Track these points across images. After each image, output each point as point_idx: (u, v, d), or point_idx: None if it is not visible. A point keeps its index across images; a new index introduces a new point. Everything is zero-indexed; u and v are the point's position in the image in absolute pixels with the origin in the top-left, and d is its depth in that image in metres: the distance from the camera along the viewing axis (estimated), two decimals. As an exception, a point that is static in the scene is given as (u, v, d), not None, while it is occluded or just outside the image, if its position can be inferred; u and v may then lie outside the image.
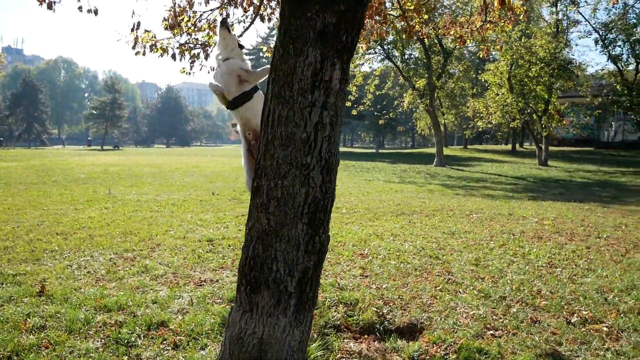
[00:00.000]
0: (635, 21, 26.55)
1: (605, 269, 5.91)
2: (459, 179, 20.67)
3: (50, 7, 6.26)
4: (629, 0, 25.38)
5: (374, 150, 55.44)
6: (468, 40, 8.47)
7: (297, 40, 2.65)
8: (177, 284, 5.17)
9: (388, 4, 8.47)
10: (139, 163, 27.99)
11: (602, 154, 35.80)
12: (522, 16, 8.19)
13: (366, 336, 3.95)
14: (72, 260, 6.04)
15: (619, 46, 27.71)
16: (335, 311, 4.35)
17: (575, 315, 4.33)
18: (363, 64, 27.88)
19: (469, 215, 10.06)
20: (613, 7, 26.50)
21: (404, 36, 7.89)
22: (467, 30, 8.17)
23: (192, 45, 7.94)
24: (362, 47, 10.03)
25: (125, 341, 3.67)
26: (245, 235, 2.92)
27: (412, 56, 31.66)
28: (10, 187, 14.25)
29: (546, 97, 28.27)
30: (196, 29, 7.39)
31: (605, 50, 27.65)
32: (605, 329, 4.02)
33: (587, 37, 29.54)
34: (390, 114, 38.57)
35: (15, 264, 5.75)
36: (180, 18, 7.11)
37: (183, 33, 7.68)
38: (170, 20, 7.58)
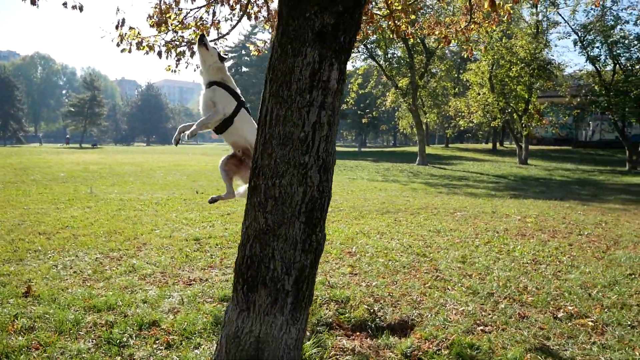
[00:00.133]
0: (612, 23, 27.05)
1: (588, 265, 6.04)
2: (442, 178, 20.86)
3: (33, 2, 6.17)
4: (606, 3, 25.85)
5: (356, 149, 55.61)
6: (453, 40, 8.55)
7: (295, 40, 2.67)
8: (166, 284, 5.14)
9: (373, 4, 8.51)
10: (119, 161, 27.68)
11: (580, 153, 36.47)
12: (505, 17, 8.30)
13: (358, 333, 3.99)
14: (56, 260, 5.96)
15: (597, 47, 28.20)
16: (326, 309, 4.38)
17: (562, 310, 4.42)
18: (346, 62, 27.86)
19: (453, 214, 10.18)
20: (591, 9, 26.96)
21: (391, 36, 7.93)
22: (451, 30, 8.25)
23: (177, 43, 7.89)
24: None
25: (117, 341, 3.65)
26: (241, 234, 2.92)
27: (395, 55, 31.85)
28: (-12, 186, 13.98)
29: (526, 96, 28.72)
30: (183, 27, 7.33)
31: (584, 51, 28.11)
32: (590, 323, 4.12)
33: (566, 38, 30.05)
34: (374, 113, 38.76)
35: (-1, 264, 5.66)
36: (168, 15, 7.04)
37: (169, 31, 7.62)
38: (155, 17, 7.51)
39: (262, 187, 2.79)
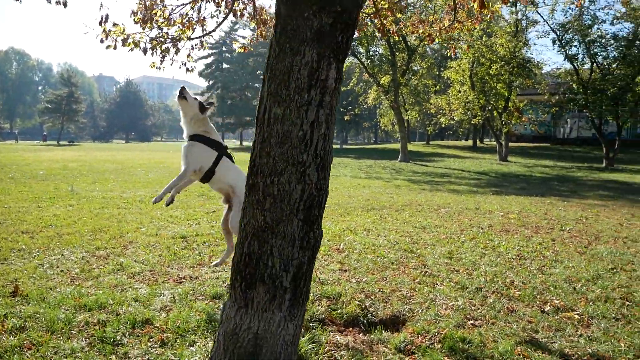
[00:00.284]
0: (590, 22, 27.53)
1: (571, 260, 6.19)
2: (424, 174, 21.05)
3: (17, -2, 6.07)
4: (584, 2, 26.28)
5: (338, 146, 55.75)
6: (436, 39, 8.64)
7: (293, 39, 2.69)
8: (156, 282, 5.12)
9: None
10: (99, 159, 27.34)
11: (559, 150, 37.13)
12: (488, 17, 8.42)
13: (351, 329, 4.04)
14: (42, 259, 5.89)
15: (575, 46, 28.66)
16: (319, 305, 4.41)
17: (548, 304, 4.53)
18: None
19: (437, 210, 10.30)
20: (571, 8, 27.42)
21: (377, 34, 8.01)
22: (435, 29, 8.34)
23: (162, 40, 7.84)
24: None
25: (111, 340, 3.63)
26: (239, 232, 2.94)
27: (377, 53, 31.98)
28: (-34, 184, 13.70)
29: (506, 94, 29.10)
30: (169, 24, 7.29)
31: (562, 49, 28.57)
32: (576, 316, 4.24)
33: (545, 37, 30.50)
34: (356, 110, 38.89)
35: (-16, 264, 5.58)
36: (154, 12, 6.99)
37: (154, 27, 7.57)
38: (139, 13, 7.46)
39: (260, 185, 2.81)
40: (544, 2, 29.25)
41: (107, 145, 59.00)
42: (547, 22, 29.33)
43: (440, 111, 32.14)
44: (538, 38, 47.97)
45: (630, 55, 26.71)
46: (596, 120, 28.58)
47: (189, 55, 8.30)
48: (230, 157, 4.27)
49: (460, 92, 30.13)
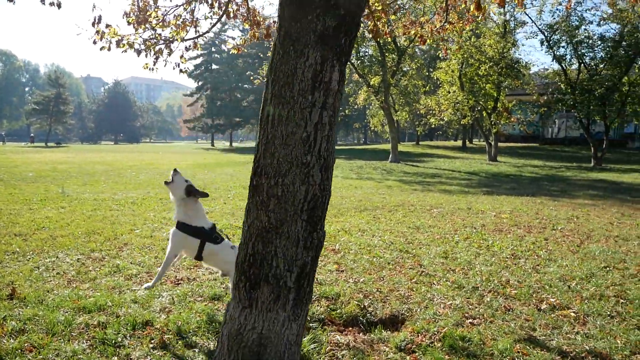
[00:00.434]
0: (577, 23, 27.84)
1: (565, 259, 6.27)
2: (415, 175, 21.16)
3: (10, -1, 6.04)
4: (571, 4, 26.53)
5: (328, 147, 55.61)
6: (428, 40, 8.70)
7: (297, 42, 2.71)
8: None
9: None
10: (88, 160, 27.14)
11: (547, 150, 37.48)
12: (480, 18, 8.50)
13: (350, 328, 4.07)
14: (37, 261, 5.86)
15: (563, 47, 28.96)
16: (318, 305, 4.44)
17: (544, 302, 4.60)
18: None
19: (430, 210, 10.37)
20: (558, 9, 27.72)
21: (368, 35, 8.07)
22: (426, 30, 8.40)
23: (155, 41, 7.82)
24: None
25: (112, 342, 3.63)
26: (243, 233, 2.96)
27: (367, 54, 32.06)
28: (-46, 187, 13.55)
29: (495, 95, 29.32)
30: (164, 25, 7.28)
31: (550, 50, 28.86)
32: (572, 314, 4.31)
33: (533, 37, 30.86)
34: (346, 111, 38.94)
35: (-22, 267, 5.54)
36: (149, 13, 6.98)
37: (148, 29, 7.55)
38: (132, 14, 7.43)
39: (264, 186, 2.83)
40: (532, 4, 29.53)
41: (96, 147, 58.58)
42: (535, 23, 29.58)
43: (430, 112, 32.29)
44: (526, 39, 48.57)
45: (617, 55, 27.07)
46: (584, 120, 28.89)
47: (182, 56, 8.30)
48: (216, 239, 4.22)
49: (449, 92, 30.30)
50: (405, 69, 33.40)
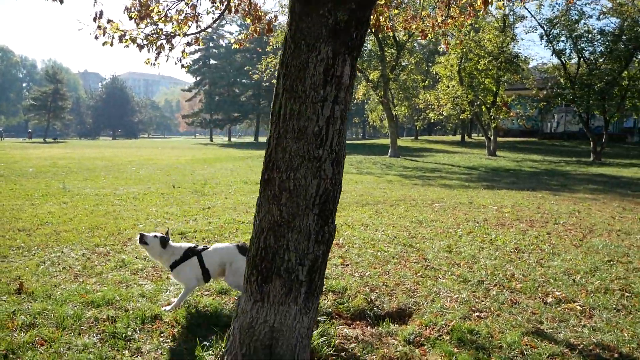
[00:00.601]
0: (577, 17, 27.77)
1: (568, 253, 6.30)
2: (415, 170, 21.16)
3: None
4: (570, -3, 26.50)
5: (326, 142, 55.56)
6: (429, 35, 8.69)
7: (309, 36, 2.72)
8: (160, 278, 5.14)
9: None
10: (88, 156, 27.11)
11: (546, 145, 37.49)
12: (481, 12, 8.49)
13: (358, 322, 4.09)
14: (42, 256, 5.88)
15: (562, 41, 28.88)
16: (325, 299, 4.46)
17: (550, 296, 4.62)
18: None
19: (431, 205, 10.39)
20: (558, 4, 27.67)
21: (372, 30, 8.06)
22: (428, 24, 8.40)
23: (157, 36, 7.80)
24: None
25: (122, 335, 3.66)
26: (254, 227, 2.97)
27: (366, 48, 31.99)
28: (-45, 182, 13.54)
29: (494, 89, 29.30)
30: (167, 20, 7.26)
31: (550, 45, 28.79)
32: (578, 307, 4.33)
33: (532, 32, 30.82)
34: (344, 106, 38.72)
35: (-16, 262, 5.55)
36: (151, 8, 6.96)
37: (149, 24, 7.54)
38: (133, 9, 7.42)
39: (276, 180, 2.85)
40: (532, -3, 29.42)
41: (94, 142, 58.44)
42: (534, 17, 29.46)
43: (429, 106, 32.26)
44: (526, 33, 48.33)
45: (617, 50, 27.02)
46: (583, 114, 28.87)
47: (183, 51, 8.29)
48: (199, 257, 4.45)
49: (448, 87, 30.26)
50: (404, 63, 33.33)
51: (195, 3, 7.89)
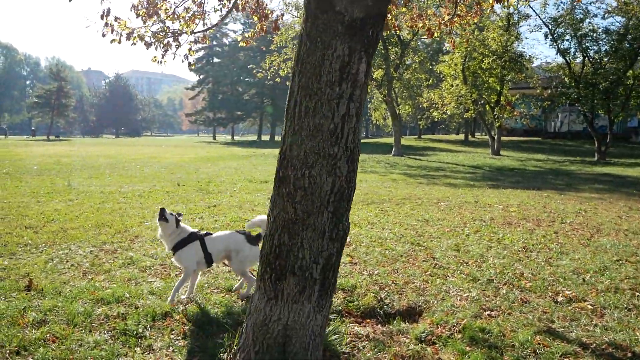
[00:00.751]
0: (581, 16, 27.68)
1: (577, 252, 6.28)
2: (419, 168, 21.14)
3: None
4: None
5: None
6: (436, 33, 8.67)
7: (325, 33, 2.71)
8: (169, 275, 5.15)
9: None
10: (91, 154, 27.16)
11: (550, 144, 37.40)
12: (488, 10, 8.47)
13: (368, 320, 4.09)
14: (50, 254, 5.89)
15: (567, 40, 28.78)
16: (335, 297, 4.45)
17: (560, 295, 4.61)
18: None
19: (437, 203, 10.37)
20: (563, 2, 27.55)
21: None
22: (434, 23, 8.38)
23: (164, 34, 7.81)
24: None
25: (134, 332, 3.66)
26: (268, 225, 2.97)
27: (370, 47, 31.86)
28: (-39, 180, 13.58)
29: (498, 88, 29.23)
30: (174, 18, 7.26)
31: (554, 44, 28.71)
32: (589, 306, 4.32)
33: (537, 31, 30.58)
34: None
35: (-8, 259, 5.56)
36: (159, 6, 6.96)
37: (157, 21, 7.54)
38: (140, 7, 7.42)
39: (291, 178, 2.84)
40: (537, -4, 29.34)
41: (98, 140, 58.59)
42: (539, 16, 29.37)
43: (433, 105, 32.20)
44: (530, 32, 48.16)
45: (622, 49, 26.92)
46: (588, 114, 28.78)
47: (190, 49, 8.29)
48: (205, 235, 4.57)
49: (452, 86, 30.18)
50: (408, 62, 33.26)
51: (203, 1, 7.90)
